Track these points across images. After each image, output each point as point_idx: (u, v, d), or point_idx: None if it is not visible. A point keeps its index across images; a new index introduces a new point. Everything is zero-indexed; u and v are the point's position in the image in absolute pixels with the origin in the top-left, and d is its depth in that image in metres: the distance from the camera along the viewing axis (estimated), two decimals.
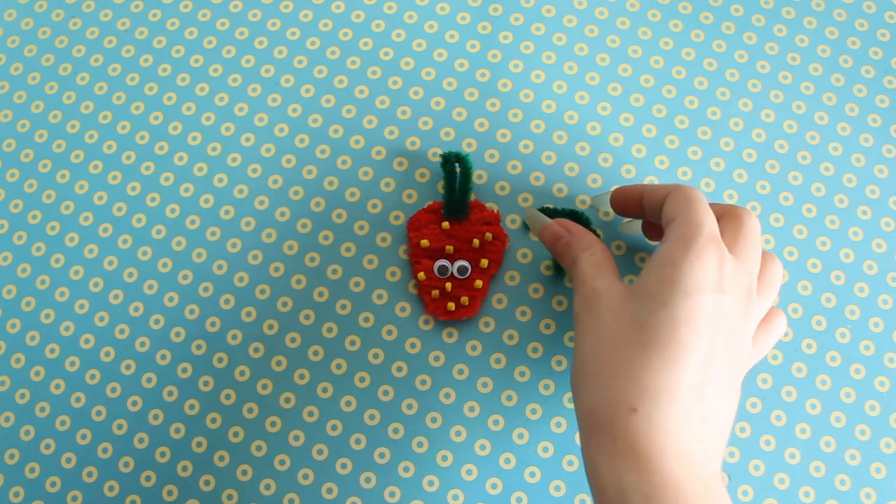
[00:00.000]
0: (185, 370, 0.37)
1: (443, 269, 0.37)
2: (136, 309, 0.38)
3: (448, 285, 0.37)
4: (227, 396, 0.37)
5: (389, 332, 0.38)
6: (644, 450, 0.27)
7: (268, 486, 0.36)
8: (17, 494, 0.36)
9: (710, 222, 0.30)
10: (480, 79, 0.41)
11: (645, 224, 0.37)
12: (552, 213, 0.37)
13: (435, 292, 0.37)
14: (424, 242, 0.37)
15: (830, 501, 0.36)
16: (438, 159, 0.39)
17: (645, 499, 0.26)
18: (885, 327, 0.38)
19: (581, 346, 0.31)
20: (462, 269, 0.37)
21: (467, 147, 0.40)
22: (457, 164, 0.37)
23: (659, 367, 0.28)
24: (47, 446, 0.37)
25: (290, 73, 0.41)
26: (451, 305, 0.37)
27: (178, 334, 0.38)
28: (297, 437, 0.37)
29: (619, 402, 0.28)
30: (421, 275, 0.37)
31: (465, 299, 0.37)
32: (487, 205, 0.38)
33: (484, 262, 0.37)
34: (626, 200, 0.35)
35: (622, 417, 0.28)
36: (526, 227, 0.38)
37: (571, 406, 0.37)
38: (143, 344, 0.38)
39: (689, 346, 0.28)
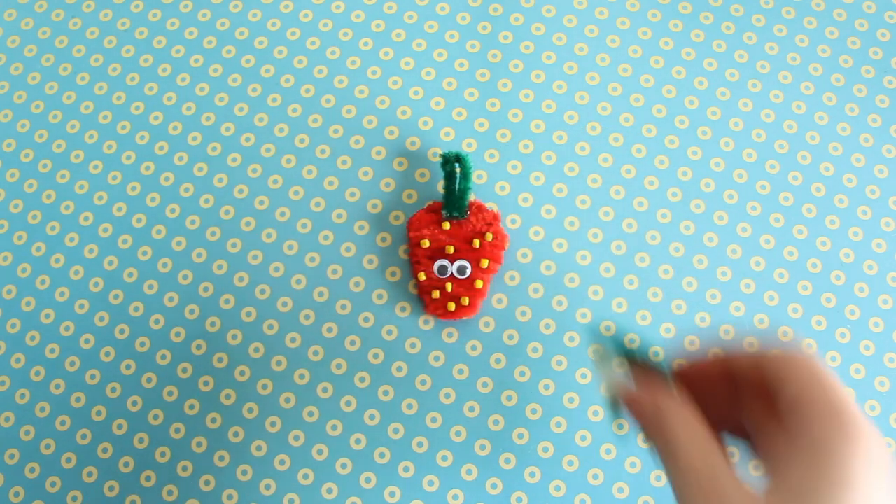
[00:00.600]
0: (185, 370, 0.37)
1: (442, 269, 0.37)
2: (136, 309, 0.38)
3: (448, 285, 0.37)
4: (227, 396, 0.37)
5: (389, 332, 0.38)
6: None
7: (268, 486, 0.36)
8: (17, 494, 0.36)
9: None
10: (480, 79, 0.41)
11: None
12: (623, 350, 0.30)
13: (435, 293, 0.37)
14: (425, 243, 0.37)
15: None
16: (438, 159, 0.39)
17: None
18: (885, 327, 0.38)
19: None
20: (462, 269, 0.37)
21: (467, 147, 0.40)
22: (457, 164, 0.37)
23: None
24: (47, 446, 0.37)
25: (290, 73, 0.41)
26: (452, 305, 0.37)
27: (178, 334, 0.38)
28: (297, 437, 0.37)
29: None
30: (421, 275, 0.37)
31: (465, 299, 0.37)
32: (487, 205, 0.38)
33: (484, 262, 0.37)
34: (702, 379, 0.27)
35: None
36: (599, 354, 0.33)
37: (571, 406, 0.37)
38: (143, 344, 0.38)
39: None
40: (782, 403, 0.24)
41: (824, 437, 0.23)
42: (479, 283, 0.37)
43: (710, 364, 0.28)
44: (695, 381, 0.28)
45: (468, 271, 0.37)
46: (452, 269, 0.37)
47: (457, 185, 0.37)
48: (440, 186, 0.39)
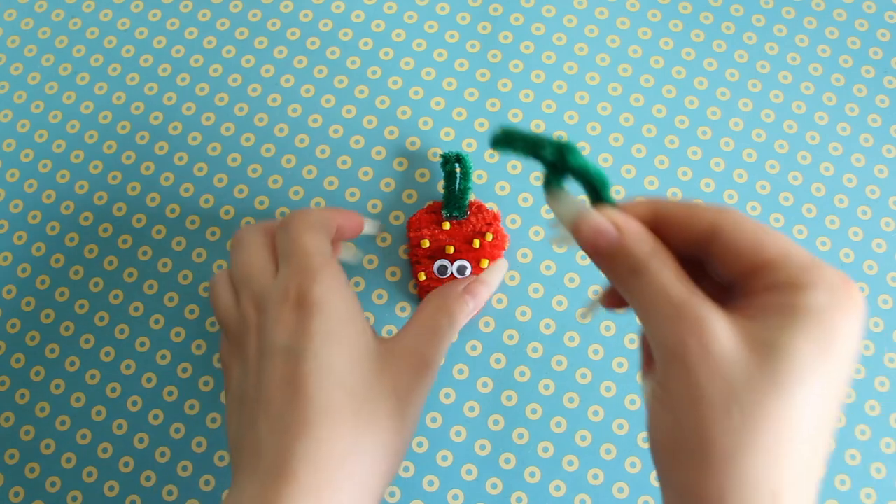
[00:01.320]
0: (185, 370, 0.37)
1: (442, 269, 0.37)
2: (137, 309, 0.38)
3: None
4: None
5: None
6: None
7: None
8: (17, 494, 0.36)
9: None
10: (480, 79, 0.41)
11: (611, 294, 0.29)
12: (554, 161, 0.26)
13: None
14: (425, 243, 0.37)
15: (830, 501, 0.36)
16: (438, 159, 0.39)
17: None
18: (885, 327, 0.38)
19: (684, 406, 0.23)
20: (462, 269, 0.37)
21: (467, 147, 0.40)
22: (457, 164, 0.37)
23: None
24: (47, 446, 0.37)
25: (290, 73, 0.41)
26: None
27: (178, 334, 0.38)
28: None
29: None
30: (421, 275, 0.37)
31: None
32: (487, 205, 0.38)
33: (484, 262, 0.37)
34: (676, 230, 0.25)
35: None
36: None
37: (572, 406, 0.37)
38: (143, 344, 0.38)
39: None
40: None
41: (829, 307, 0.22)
42: None
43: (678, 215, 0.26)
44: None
45: (468, 271, 0.37)
46: (452, 269, 0.37)
47: (457, 185, 0.37)
48: (440, 186, 0.39)
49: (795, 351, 0.22)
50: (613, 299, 0.29)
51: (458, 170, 0.37)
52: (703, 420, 0.22)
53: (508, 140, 0.26)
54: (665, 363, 0.23)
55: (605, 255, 0.25)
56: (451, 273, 0.37)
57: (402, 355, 0.30)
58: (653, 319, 0.24)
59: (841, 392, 0.22)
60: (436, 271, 0.37)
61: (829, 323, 0.22)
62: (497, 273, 0.36)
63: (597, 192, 0.26)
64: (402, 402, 0.29)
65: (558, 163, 0.26)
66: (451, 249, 0.37)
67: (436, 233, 0.37)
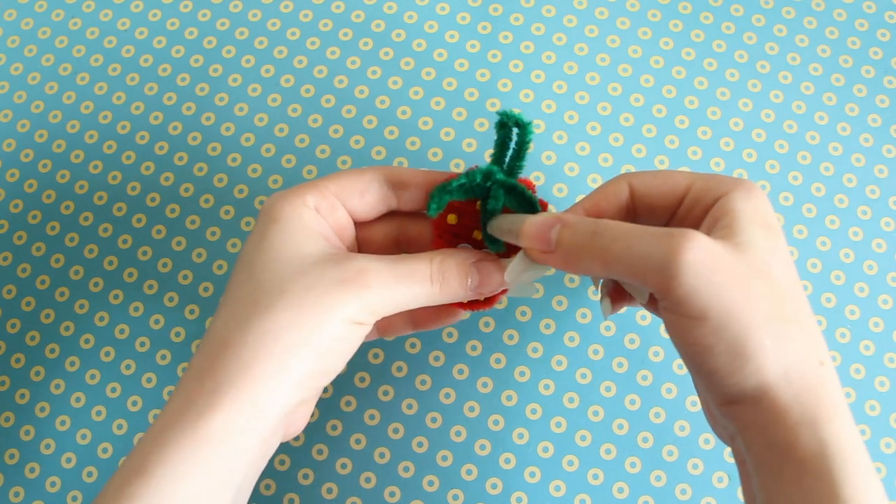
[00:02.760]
0: (185, 370, 0.37)
1: None
2: (136, 309, 0.38)
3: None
4: None
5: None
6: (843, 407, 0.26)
7: (268, 487, 0.36)
8: (17, 494, 0.36)
9: None
10: (480, 79, 0.41)
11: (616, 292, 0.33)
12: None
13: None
14: (451, 218, 0.31)
15: None
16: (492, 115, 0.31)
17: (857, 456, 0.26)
18: (885, 327, 0.38)
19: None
20: None
21: (467, 147, 0.40)
22: (515, 131, 0.29)
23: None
24: (47, 446, 0.37)
25: (290, 73, 0.41)
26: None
27: (178, 334, 0.38)
28: (297, 438, 0.37)
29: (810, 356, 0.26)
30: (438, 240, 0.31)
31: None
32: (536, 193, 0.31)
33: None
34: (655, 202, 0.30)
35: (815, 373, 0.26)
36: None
37: (571, 406, 0.37)
38: (143, 344, 0.38)
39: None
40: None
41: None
42: None
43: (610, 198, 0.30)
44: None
45: None
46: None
47: (506, 161, 0.29)
48: (488, 156, 0.36)
49: (757, 239, 0.26)
50: (614, 291, 0.32)
51: (513, 139, 0.29)
52: (735, 305, 0.25)
53: (444, 193, 0.29)
54: (666, 278, 0.25)
55: (562, 246, 0.28)
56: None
57: (339, 262, 0.28)
58: (641, 259, 0.26)
59: (787, 248, 0.28)
60: None
61: (755, 211, 0.27)
62: (520, 270, 0.30)
63: (531, 204, 0.29)
64: (308, 293, 0.27)
65: (490, 183, 0.28)
66: (479, 235, 0.31)
67: (470, 213, 0.31)
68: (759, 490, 0.27)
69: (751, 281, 0.25)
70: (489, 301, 0.32)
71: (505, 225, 0.29)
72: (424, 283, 0.29)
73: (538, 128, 0.39)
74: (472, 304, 0.32)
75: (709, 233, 0.27)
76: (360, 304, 0.27)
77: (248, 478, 0.27)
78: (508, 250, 0.31)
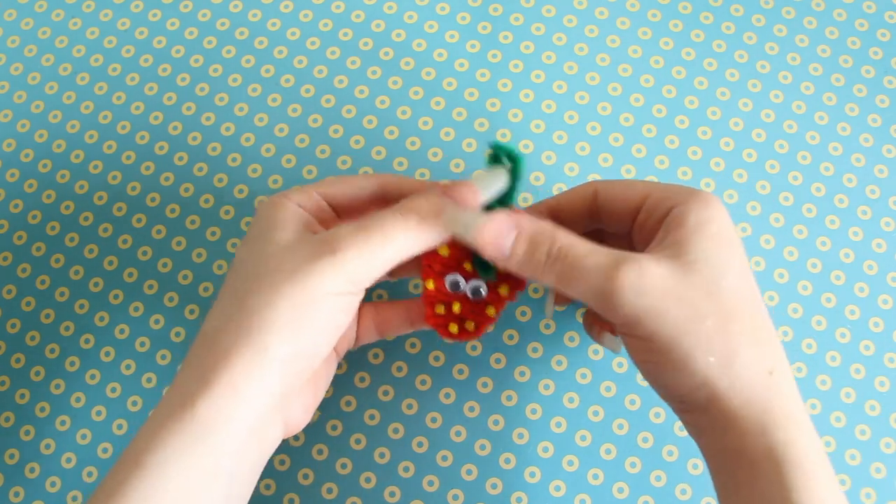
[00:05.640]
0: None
1: (454, 285, 0.32)
2: (136, 309, 0.38)
3: (456, 305, 0.32)
4: None
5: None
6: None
7: (268, 487, 0.36)
8: (17, 494, 0.36)
9: None
10: (480, 79, 0.41)
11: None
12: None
13: (440, 308, 0.32)
14: (443, 250, 0.32)
15: None
16: (486, 154, 0.31)
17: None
18: (885, 327, 0.38)
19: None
20: (476, 291, 0.32)
21: (467, 147, 0.40)
22: (506, 161, 0.30)
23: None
24: (47, 446, 0.37)
25: (290, 73, 0.41)
26: (454, 328, 0.32)
27: (178, 334, 0.38)
28: (297, 438, 0.37)
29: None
30: (430, 283, 0.32)
31: (470, 324, 0.32)
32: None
33: (504, 289, 0.32)
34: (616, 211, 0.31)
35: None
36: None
37: (571, 406, 0.37)
38: (143, 344, 0.38)
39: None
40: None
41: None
42: (490, 311, 0.32)
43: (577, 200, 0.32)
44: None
45: (482, 293, 0.32)
46: (466, 288, 0.32)
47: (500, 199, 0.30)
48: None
49: (708, 255, 0.27)
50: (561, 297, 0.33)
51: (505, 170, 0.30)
52: (683, 333, 0.26)
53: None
54: (607, 301, 0.27)
55: (515, 259, 0.28)
56: (464, 291, 0.32)
57: (312, 239, 0.28)
58: (585, 281, 0.27)
59: (745, 256, 0.28)
60: (447, 285, 0.32)
61: (709, 222, 0.27)
62: (491, 182, 0.29)
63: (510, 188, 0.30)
64: (294, 278, 0.27)
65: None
66: (470, 267, 0.32)
67: (459, 244, 0.32)
68: (717, 490, 0.28)
69: (695, 302, 0.26)
70: (479, 329, 0.33)
71: (462, 219, 0.28)
72: (396, 223, 0.28)
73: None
74: (461, 335, 0.33)
75: (661, 244, 0.28)
76: (334, 272, 0.27)
77: (242, 468, 0.27)
78: (499, 278, 0.32)
